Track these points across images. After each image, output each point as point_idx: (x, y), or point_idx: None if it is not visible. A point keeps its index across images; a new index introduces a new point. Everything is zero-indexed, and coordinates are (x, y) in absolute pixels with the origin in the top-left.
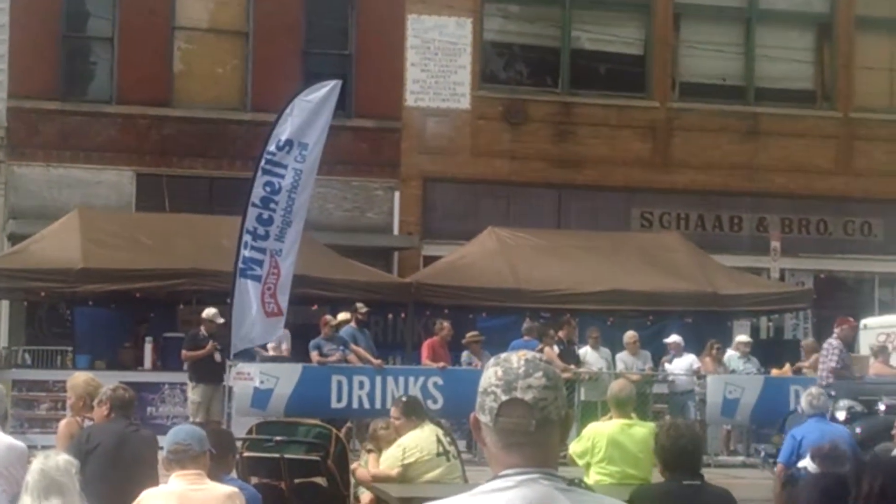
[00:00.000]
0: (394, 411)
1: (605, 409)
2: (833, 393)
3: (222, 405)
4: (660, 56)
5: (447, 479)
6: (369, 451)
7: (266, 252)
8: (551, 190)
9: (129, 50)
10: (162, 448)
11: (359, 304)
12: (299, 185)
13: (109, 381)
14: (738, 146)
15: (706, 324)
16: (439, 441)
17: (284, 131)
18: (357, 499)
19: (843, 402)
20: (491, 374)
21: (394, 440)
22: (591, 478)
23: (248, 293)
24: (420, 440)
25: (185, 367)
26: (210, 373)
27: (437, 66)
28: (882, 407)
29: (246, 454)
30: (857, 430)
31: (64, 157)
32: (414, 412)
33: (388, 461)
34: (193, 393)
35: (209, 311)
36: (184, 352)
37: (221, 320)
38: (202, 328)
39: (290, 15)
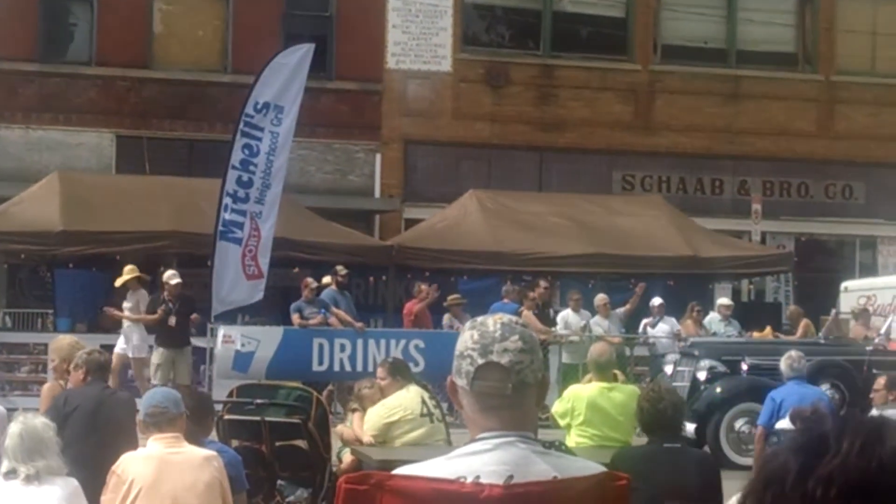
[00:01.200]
0: (380, 371)
1: (585, 371)
2: (696, 353)
3: (189, 368)
4: (642, 18)
5: (430, 441)
6: (353, 411)
7: (246, 214)
8: (533, 153)
9: (109, 11)
10: (139, 411)
11: (339, 267)
12: (277, 147)
13: (90, 344)
14: (719, 109)
15: (687, 287)
16: (424, 402)
17: (262, 94)
18: (340, 460)
19: (705, 363)
20: (467, 337)
21: (378, 400)
22: (572, 440)
23: (229, 256)
24: (404, 400)
25: None
26: (168, 337)
27: (419, 28)
28: (745, 367)
29: (226, 417)
30: (717, 389)
31: (43, 119)
32: (399, 373)
33: (372, 419)
34: (154, 356)
35: (167, 274)
36: (145, 315)
37: (177, 281)
38: (164, 291)
39: None
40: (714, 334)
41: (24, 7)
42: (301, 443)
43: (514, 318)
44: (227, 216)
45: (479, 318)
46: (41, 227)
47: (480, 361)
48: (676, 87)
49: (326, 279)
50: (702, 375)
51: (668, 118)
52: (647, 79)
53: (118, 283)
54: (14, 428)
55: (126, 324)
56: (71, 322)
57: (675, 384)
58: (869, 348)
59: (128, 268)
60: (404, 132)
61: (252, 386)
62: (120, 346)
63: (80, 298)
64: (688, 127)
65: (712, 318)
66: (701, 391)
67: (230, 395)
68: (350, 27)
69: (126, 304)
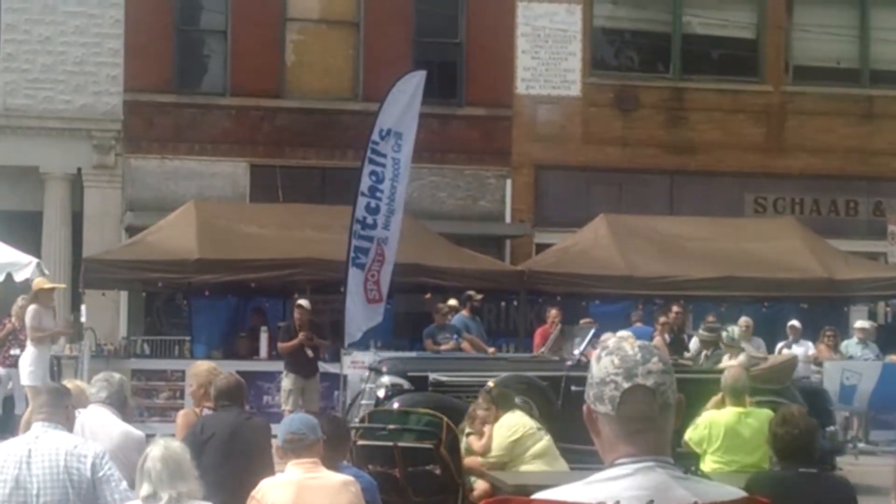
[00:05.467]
0: (480, 400)
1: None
2: (383, 369)
3: (318, 394)
4: (772, 40)
5: (552, 452)
6: (468, 435)
7: (373, 240)
8: (663, 176)
9: (242, 42)
10: (275, 436)
11: (471, 292)
12: (399, 174)
13: (225, 370)
14: (853, 129)
15: (822, 310)
16: (533, 418)
17: (385, 121)
18: (471, 488)
19: (386, 379)
20: (607, 363)
21: (493, 420)
22: (707, 466)
23: (356, 281)
24: (519, 418)
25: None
26: (299, 363)
27: (548, 53)
28: (430, 383)
29: (360, 442)
30: (395, 404)
31: (179, 149)
32: (499, 403)
33: (496, 440)
34: (285, 381)
35: (300, 301)
36: (279, 343)
37: (304, 305)
38: (297, 318)
39: (400, 4)
40: (850, 357)
41: (160, 40)
42: (434, 468)
43: (647, 342)
44: (355, 242)
45: (612, 344)
46: (178, 256)
47: (626, 385)
48: (809, 108)
49: (452, 302)
50: (381, 392)
51: (801, 139)
52: (778, 100)
53: None
54: (155, 452)
55: None
56: (207, 349)
57: (363, 402)
58: (568, 363)
59: None
60: (535, 157)
61: (384, 412)
62: None
63: (215, 325)
64: (821, 148)
65: (849, 342)
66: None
67: (363, 420)
68: (479, 53)
69: None
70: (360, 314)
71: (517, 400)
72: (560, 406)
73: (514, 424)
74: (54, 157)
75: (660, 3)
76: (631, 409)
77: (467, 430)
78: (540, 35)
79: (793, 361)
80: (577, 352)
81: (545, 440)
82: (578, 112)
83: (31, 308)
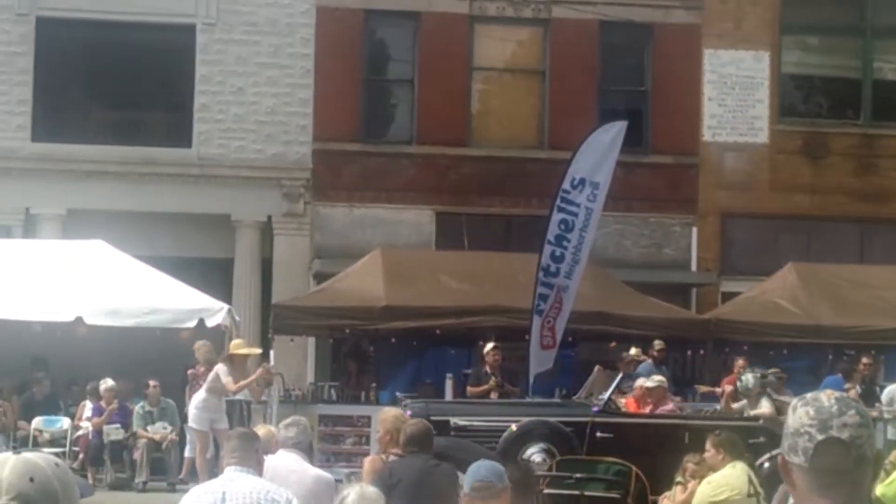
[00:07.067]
0: (707, 444)
1: None
2: (407, 413)
3: None
4: None
5: None
6: (677, 484)
7: (553, 288)
8: (853, 224)
9: (429, 91)
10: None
11: (656, 342)
12: (590, 223)
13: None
14: None
15: None
16: (751, 481)
17: (578, 170)
18: None
19: None
20: (802, 413)
21: (704, 476)
22: None
23: (534, 328)
24: (731, 478)
25: None
26: None
27: (735, 100)
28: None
29: (546, 490)
30: None
31: (366, 197)
32: (726, 447)
33: (697, 497)
34: None
35: (488, 346)
36: (468, 388)
37: (499, 346)
38: (486, 365)
39: (586, 53)
40: None
41: (349, 90)
42: None
43: (846, 394)
44: (538, 290)
45: (810, 395)
46: (365, 303)
47: (820, 437)
48: None
49: (633, 351)
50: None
51: None
52: None
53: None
54: (352, 496)
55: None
56: (392, 395)
57: None
58: (594, 409)
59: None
60: (721, 205)
61: (571, 460)
62: None
63: (400, 372)
64: None
65: None
66: None
67: (549, 468)
68: (666, 101)
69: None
70: (533, 359)
71: (539, 447)
72: (584, 453)
73: (722, 484)
74: (245, 205)
75: (849, 49)
76: (825, 462)
77: (678, 479)
78: (727, 82)
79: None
80: (603, 397)
81: None
82: (766, 159)
83: (221, 367)
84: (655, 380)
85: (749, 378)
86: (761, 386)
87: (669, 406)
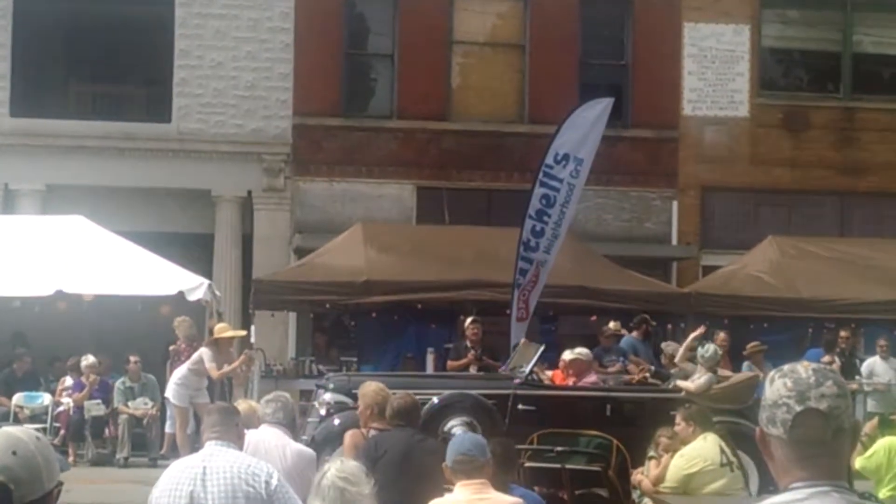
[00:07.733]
0: (677, 418)
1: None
2: (330, 386)
3: None
4: None
5: (730, 491)
6: (650, 458)
7: (533, 262)
8: (834, 197)
9: (409, 66)
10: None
11: (646, 316)
12: (571, 198)
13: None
14: None
15: None
16: (723, 451)
17: (562, 145)
18: None
19: (328, 396)
20: (780, 385)
21: (677, 448)
22: (883, 493)
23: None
24: (703, 450)
25: None
26: None
27: (715, 74)
28: None
29: (527, 464)
30: (336, 421)
31: (347, 171)
32: (696, 420)
33: (671, 471)
34: None
35: (468, 320)
36: (448, 362)
37: (479, 320)
38: (466, 339)
39: (566, 27)
40: None
41: (328, 64)
42: (601, 491)
43: (823, 365)
44: (519, 265)
45: (787, 366)
46: (346, 277)
47: (798, 409)
48: None
49: (612, 325)
50: (323, 410)
51: None
52: None
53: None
54: (332, 473)
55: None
56: (374, 369)
57: (308, 420)
58: (516, 381)
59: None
60: (701, 179)
61: (552, 433)
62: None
63: (381, 346)
64: None
65: None
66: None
67: (531, 442)
68: (646, 75)
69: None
70: (513, 333)
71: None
72: (507, 426)
73: (694, 457)
74: (225, 180)
75: (830, 21)
76: (803, 433)
77: (650, 453)
78: (707, 56)
79: (752, 381)
80: (525, 369)
81: (725, 479)
82: (746, 133)
83: (206, 351)
84: (576, 352)
85: (711, 348)
86: (714, 362)
87: (592, 378)
